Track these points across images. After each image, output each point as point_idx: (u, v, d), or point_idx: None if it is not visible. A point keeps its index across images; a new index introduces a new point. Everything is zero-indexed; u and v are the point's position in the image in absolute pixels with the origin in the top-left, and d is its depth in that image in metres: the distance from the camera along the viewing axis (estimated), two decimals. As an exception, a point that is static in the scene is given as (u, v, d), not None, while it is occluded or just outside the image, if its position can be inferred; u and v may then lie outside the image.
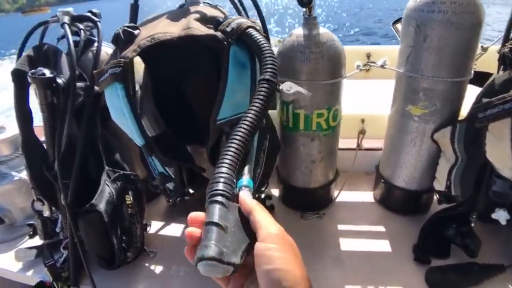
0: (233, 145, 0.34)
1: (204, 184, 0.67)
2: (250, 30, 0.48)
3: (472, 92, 0.73)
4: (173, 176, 0.67)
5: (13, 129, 0.87)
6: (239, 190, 0.34)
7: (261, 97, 0.38)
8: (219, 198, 0.31)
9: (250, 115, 0.36)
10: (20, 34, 0.74)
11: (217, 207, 0.31)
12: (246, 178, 0.36)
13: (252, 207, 0.32)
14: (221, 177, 0.33)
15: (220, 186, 0.32)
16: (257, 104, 0.37)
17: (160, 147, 0.59)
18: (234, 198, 0.33)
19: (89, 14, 0.75)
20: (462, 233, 0.71)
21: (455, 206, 0.75)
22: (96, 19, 0.74)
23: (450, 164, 0.72)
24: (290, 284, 0.28)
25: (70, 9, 0.73)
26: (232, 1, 0.69)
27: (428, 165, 0.78)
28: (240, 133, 0.35)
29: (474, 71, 0.73)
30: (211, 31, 0.51)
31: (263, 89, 0.38)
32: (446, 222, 0.73)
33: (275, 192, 0.93)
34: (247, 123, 0.36)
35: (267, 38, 0.60)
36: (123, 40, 0.54)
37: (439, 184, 0.75)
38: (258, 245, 0.30)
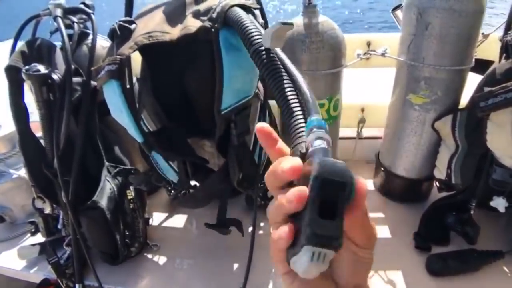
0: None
1: (208, 175, 0.68)
2: (231, 11, 0.45)
3: (472, 79, 0.73)
4: (177, 170, 0.66)
5: (9, 126, 0.86)
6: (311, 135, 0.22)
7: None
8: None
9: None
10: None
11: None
12: (316, 118, 0.23)
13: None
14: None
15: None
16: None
17: (161, 142, 0.59)
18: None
19: (82, 6, 0.73)
20: (461, 220, 0.72)
21: (455, 194, 0.76)
22: (89, 11, 0.71)
23: (451, 153, 0.73)
24: None
25: (62, 0, 0.70)
26: None
27: (428, 153, 0.78)
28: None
29: (475, 59, 0.72)
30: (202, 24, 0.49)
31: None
32: (446, 209, 0.74)
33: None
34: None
35: (266, 23, 0.58)
36: (119, 35, 0.53)
37: (440, 173, 0.76)
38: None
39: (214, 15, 0.47)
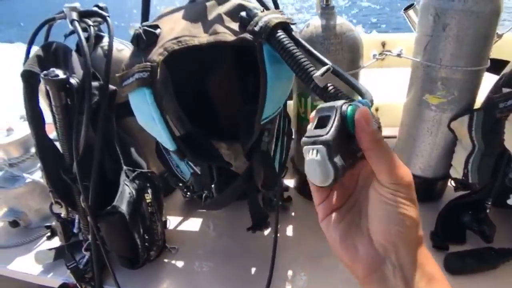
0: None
1: (231, 179, 0.68)
2: (279, 34, 0.46)
3: (487, 79, 0.73)
4: (199, 173, 0.66)
5: (22, 130, 0.85)
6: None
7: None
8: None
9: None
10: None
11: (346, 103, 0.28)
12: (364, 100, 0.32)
13: (378, 137, 0.27)
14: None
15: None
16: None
17: (190, 148, 0.58)
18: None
19: (96, 8, 0.72)
20: (478, 219, 0.73)
21: (470, 193, 0.76)
22: (105, 14, 0.71)
23: (467, 152, 0.73)
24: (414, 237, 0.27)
25: (76, 4, 0.69)
26: None
27: (444, 153, 0.79)
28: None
29: (490, 58, 0.73)
30: (240, 35, 0.49)
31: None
32: (462, 208, 0.75)
33: (290, 183, 0.93)
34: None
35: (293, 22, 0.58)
36: (145, 40, 0.52)
37: (456, 172, 0.77)
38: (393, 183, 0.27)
39: (256, 29, 0.46)
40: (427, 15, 0.69)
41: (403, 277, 0.27)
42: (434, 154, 0.80)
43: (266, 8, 0.55)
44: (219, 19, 0.53)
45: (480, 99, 0.74)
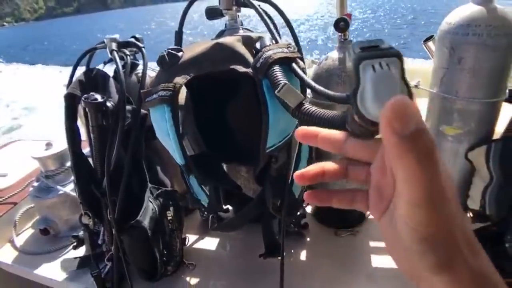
0: None
1: (242, 200, 0.71)
2: (274, 69, 0.45)
3: (505, 109, 0.74)
4: (208, 193, 0.70)
5: (59, 145, 0.93)
6: None
7: None
8: None
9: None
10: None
11: None
12: None
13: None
14: None
15: None
16: None
17: (198, 166, 0.62)
18: None
19: (133, 39, 0.80)
20: (496, 253, 0.71)
21: (488, 226, 0.75)
22: (140, 45, 0.78)
23: (485, 183, 0.73)
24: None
25: (116, 36, 0.77)
26: (264, 21, 0.64)
27: (461, 183, 0.79)
28: None
29: (508, 89, 0.73)
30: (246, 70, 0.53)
31: None
32: (480, 241, 0.74)
33: (307, 208, 0.95)
34: None
35: (301, 57, 0.56)
36: (167, 62, 0.57)
37: (474, 203, 0.76)
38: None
39: (258, 65, 0.48)
40: (443, 48, 0.71)
41: None
42: (452, 184, 0.79)
43: (276, 40, 0.57)
44: (238, 48, 0.57)
45: (499, 129, 0.75)
